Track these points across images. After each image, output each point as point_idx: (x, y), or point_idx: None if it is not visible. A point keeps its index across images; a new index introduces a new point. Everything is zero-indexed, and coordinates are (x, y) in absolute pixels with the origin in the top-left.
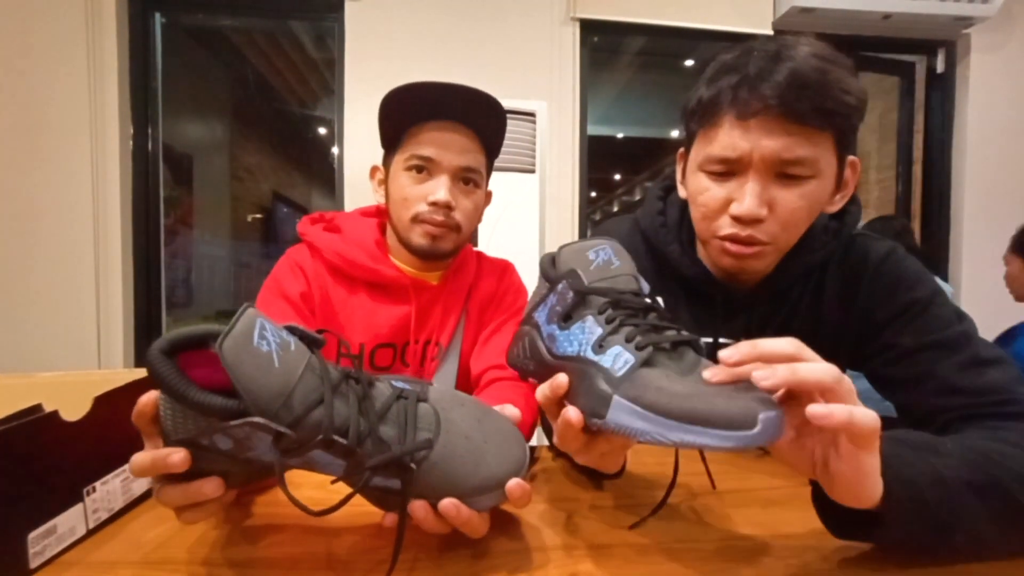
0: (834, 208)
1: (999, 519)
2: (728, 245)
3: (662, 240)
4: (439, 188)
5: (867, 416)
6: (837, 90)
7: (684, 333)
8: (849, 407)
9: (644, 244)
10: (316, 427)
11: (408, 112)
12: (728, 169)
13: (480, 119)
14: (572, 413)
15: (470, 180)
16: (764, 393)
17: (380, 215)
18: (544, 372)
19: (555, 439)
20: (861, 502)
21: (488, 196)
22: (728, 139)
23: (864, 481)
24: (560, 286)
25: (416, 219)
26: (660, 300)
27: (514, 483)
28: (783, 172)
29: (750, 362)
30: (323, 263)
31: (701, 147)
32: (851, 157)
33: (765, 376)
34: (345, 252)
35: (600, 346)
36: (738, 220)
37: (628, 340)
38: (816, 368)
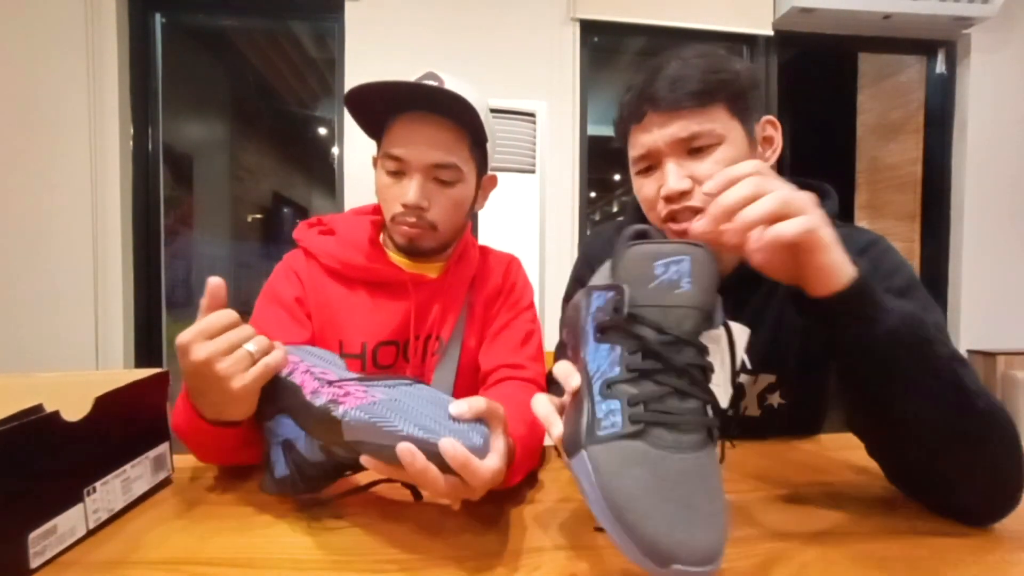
0: (769, 164)
1: (919, 362)
2: (672, 225)
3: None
4: (409, 190)
5: (789, 227)
6: (704, 72)
7: (707, 416)
8: (777, 229)
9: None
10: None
11: (376, 106)
12: (649, 164)
13: (452, 108)
14: (556, 432)
15: (445, 176)
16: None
17: (377, 212)
18: (574, 356)
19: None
20: (830, 289)
21: (493, 180)
22: (637, 142)
23: (826, 276)
24: (609, 295)
25: (394, 220)
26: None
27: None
28: (691, 148)
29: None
30: (319, 266)
31: (629, 155)
32: (766, 117)
33: (700, 227)
34: (340, 254)
35: (608, 387)
36: (669, 200)
37: (632, 404)
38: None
